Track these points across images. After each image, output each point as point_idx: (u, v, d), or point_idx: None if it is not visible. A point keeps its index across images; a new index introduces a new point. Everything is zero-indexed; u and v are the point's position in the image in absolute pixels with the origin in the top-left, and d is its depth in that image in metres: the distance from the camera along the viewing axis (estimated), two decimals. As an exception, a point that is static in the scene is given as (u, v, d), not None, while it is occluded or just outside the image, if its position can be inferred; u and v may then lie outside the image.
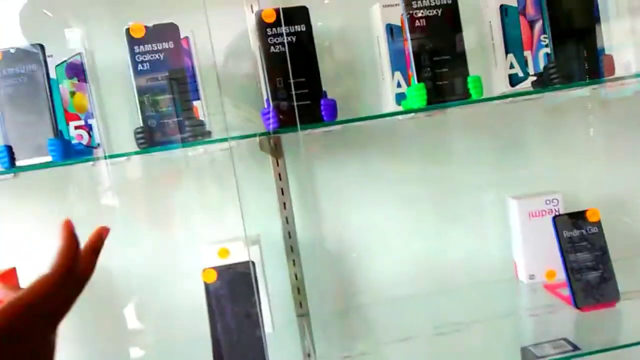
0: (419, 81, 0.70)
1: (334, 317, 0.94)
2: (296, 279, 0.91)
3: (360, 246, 0.97)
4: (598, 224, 0.81)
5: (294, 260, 0.91)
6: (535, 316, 0.83)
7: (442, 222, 0.99)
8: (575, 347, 0.81)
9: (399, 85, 0.83)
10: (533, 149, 1.01)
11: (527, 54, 0.85)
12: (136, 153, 0.70)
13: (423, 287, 0.97)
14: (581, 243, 0.81)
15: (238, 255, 0.81)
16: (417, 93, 0.69)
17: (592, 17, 0.76)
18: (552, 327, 0.80)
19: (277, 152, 0.86)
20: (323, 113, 0.71)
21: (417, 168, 0.98)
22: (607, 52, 0.78)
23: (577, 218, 0.81)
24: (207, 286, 0.74)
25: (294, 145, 0.89)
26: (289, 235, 0.90)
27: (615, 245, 0.83)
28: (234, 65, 0.90)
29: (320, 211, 0.95)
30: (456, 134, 0.99)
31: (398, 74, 0.83)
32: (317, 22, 0.89)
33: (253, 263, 0.75)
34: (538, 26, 0.84)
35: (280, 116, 0.70)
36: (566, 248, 0.81)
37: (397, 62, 0.82)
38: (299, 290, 0.92)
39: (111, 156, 0.74)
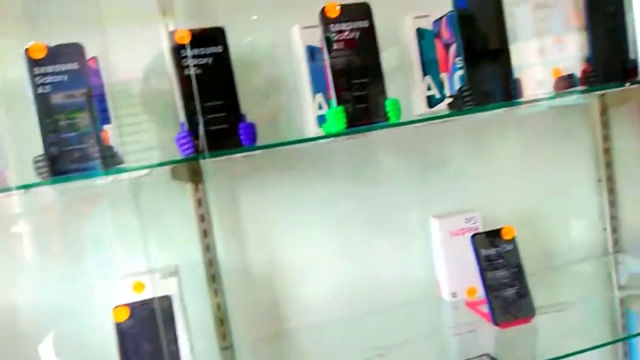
0: (338, 104, 0.70)
1: (261, 346, 0.90)
2: (219, 309, 0.87)
3: (287, 270, 0.95)
4: (513, 241, 0.84)
5: (215, 290, 0.87)
6: (458, 335, 0.85)
7: (369, 243, 0.99)
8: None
9: (320, 107, 0.82)
10: (455, 167, 1.03)
11: (444, 76, 0.87)
12: (34, 185, 0.64)
13: (350, 310, 0.96)
14: (498, 261, 0.83)
15: (155, 288, 0.76)
16: (336, 116, 0.69)
17: (504, 40, 0.79)
18: (474, 345, 0.81)
19: (196, 177, 0.82)
20: (241, 137, 0.68)
21: (343, 188, 0.98)
22: (519, 71, 0.82)
23: (494, 236, 0.84)
24: (118, 326, 0.69)
25: (213, 171, 0.86)
26: (210, 264, 0.86)
27: (532, 260, 0.87)
28: (152, 86, 0.85)
29: (245, 236, 0.92)
30: (381, 154, 1.00)
31: (319, 96, 0.82)
32: (245, 39, 0.88)
33: (169, 297, 0.71)
34: (453, 49, 0.86)
35: (196, 141, 0.67)
36: (484, 266, 0.83)
37: (318, 84, 0.81)
38: (222, 321, 0.88)
39: (4, 190, 0.67)
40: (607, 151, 1.08)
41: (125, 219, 0.83)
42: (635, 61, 0.86)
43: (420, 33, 0.87)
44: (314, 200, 0.96)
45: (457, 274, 0.94)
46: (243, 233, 0.92)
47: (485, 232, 0.84)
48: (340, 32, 0.71)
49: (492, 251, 0.83)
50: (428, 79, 0.87)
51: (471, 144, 1.04)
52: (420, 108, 0.88)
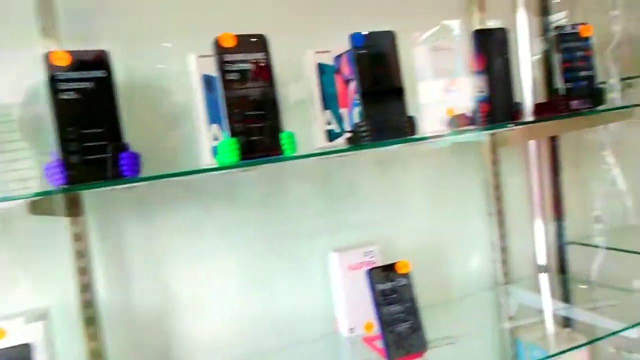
0: (232, 136, 0.67)
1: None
2: (94, 356, 0.79)
3: (178, 308, 0.89)
4: (407, 275, 0.85)
5: (92, 334, 0.79)
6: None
7: (268, 277, 0.96)
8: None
9: (215, 138, 0.79)
10: (359, 200, 1.04)
11: (344, 111, 0.88)
12: None
13: (249, 347, 0.92)
14: (392, 295, 0.83)
15: (19, 334, 0.68)
16: (229, 148, 0.66)
17: (399, 78, 0.80)
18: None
19: (73, 210, 0.75)
20: (123, 168, 0.63)
21: (242, 220, 0.94)
22: (419, 110, 0.84)
23: (389, 270, 0.84)
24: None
25: (95, 202, 0.79)
26: (88, 305, 0.79)
27: (429, 292, 0.88)
28: (32, 111, 0.78)
29: (131, 272, 0.85)
30: (285, 186, 0.98)
31: (215, 127, 0.79)
32: (158, 65, 0.83)
33: (29, 345, 0.63)
34: (352, 85, 0.87)
35: (70, 171, 0.61)
36: (379, 301, 0.82)
37: (214, 115, 0.78)
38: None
39: None
40: (497, 187, 1.14)
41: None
42: (519, 104, 0.92)
43: (322, 68, 0.87)
44: (208, 233, 0.92)
45: (355, 309, 0.93)
46: (129, 269, 0.85)
47: (381, 267, 0.84)
48: (235, 62, 0.68)
49: (387, 285, 0.83)
50: (328, 113, 0.87)
51: (375, 177, 1.06)
52: (319, 141, 0.87)
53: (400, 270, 0.85)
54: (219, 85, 0.68)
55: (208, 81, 0.77)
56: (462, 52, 0.92)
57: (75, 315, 0.79)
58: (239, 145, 0.67)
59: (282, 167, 0.97)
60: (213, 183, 0.91)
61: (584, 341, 0.97)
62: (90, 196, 0.78)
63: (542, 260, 1.20)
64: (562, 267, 1.22)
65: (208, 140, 0.78)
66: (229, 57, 0.68)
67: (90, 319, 0.78)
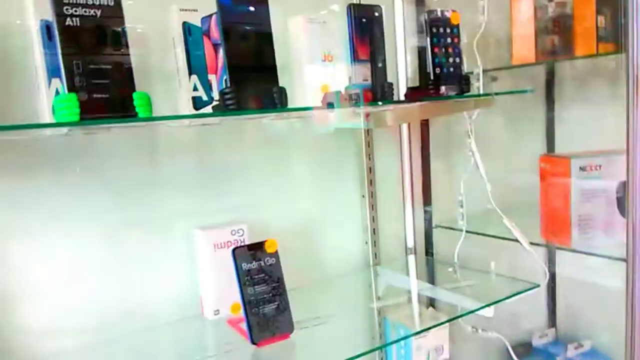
0: (69, 91, 0.58)
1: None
2: None
3: (11, 293, 0.77)
4: (275, 254, 0.81)
5: None
6: (213, 357, 0.78)
7: (126, 256, 0.87)
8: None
9: (57, 93, 0.68)
10: (230, 177, 0.98)
11: (212, 77, 0.81)
12: None
13: (99, 335, 0.83)
14: (259, 275, 0.79)
15: None
16: (67, 105, 0.57)
17: (270, 47, 0.76)
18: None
19: None
20: None
21: (97, 192, 0.84)
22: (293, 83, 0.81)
23: (256, 249, 0.80)
24: None
25: None
26: None
27: (300, 273, 0.85)
28: None
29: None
30: (150, 157, 0.89)
31: (56, 81, 0.68)
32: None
33: None
34: (222, 51, 0.81)
35: None
36: (244, 281, 0.78)
37: (53, 70, 0.68)
38: None
39: None
40: (371, 170, 1.15)
41: None
42: (391, 84, 0.93)
43: (188, 28, 0.80)
44: (58, 205, 0.80)
45: (220, 290, 0.88)
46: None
47: (247, 245, 0.80)
48: (78, 6, 0.59)
49: (253, 265, 0.79)
50: (194, 78, 0.80)
51: (253, 156, 1.01)
52: (185, 109, 0.80)
53: (268, 249, 0.81)
54: (55, 34, 0.59)
55: (47, 28, 0.66)
56: (339, 27, 0.90)
57: None
58: (79, 103, 0.58)
59: (153, 136, 0.88)
60: (64, 148, 0.79)
61: (444, 319, 1.01)
62: None
63: (410, 242, 1.24)
64: (428, 250, 1.27)
65: (48, 96, 0.68)
66: (70, 8, 0.59)
67: None
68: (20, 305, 0.78)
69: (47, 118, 0.68)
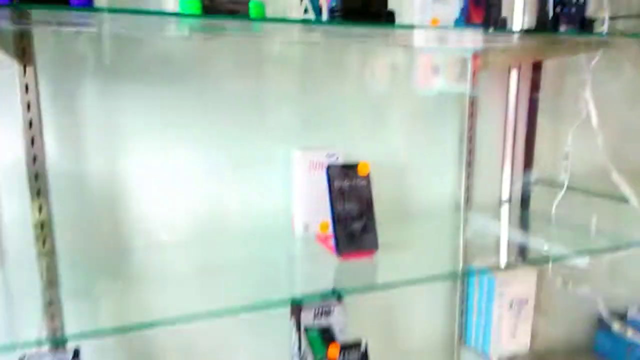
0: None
1: (86, 256, 0.82)
2: (39, 212, 0.77)
3: (129, 187, 0.87)
4: (367, 178, 0.83)
5: (39, 190, 0.77)
6: (299, 264, 0.83)
7: (228, 168, 0.93)
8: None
9: None
10: (337, 106, 1.00)
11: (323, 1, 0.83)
12: None
13: (196, 237, 0.91)
14: (350, 193, 0.82)
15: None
16: (191, 3, 0.62)
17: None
18: (313, 275, 0.80)
19: (24, 55, 0.70)
20: None
21: (206, 104, 0.90)
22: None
23: (349, 169, 0.83)
24: None
25: (50, 49, 0.74)
26: (34, 160, 0.76)
27: (390, 206, 0.86)
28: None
29: (81, 136, 0.82)
30: (255, 73, 0.93)
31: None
32: None
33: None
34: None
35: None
36: (335, 197, 0.81)
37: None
38: (42, 225, 0.78)
39: None
40: (473, 114, 1.12)
41: None
42: (505, 20, 0.88)
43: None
44: (172, 113, 0.88)
45: (312, 208, 0.92)
46: (79, 132, 0.81)
47: (341, 165, 0.83)
48: None
49: (345, 184, 0.82)
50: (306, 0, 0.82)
51: (360, 90, 1.02)
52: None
53: (361, 171, 0.83)
54: None
55: None
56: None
57: (20, 169, 0.76)
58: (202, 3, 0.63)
59: (258, 52, 0.92)
60: (180, 57, 0.86)
61: (533, 268, 0.98)
62: (41, 40, 0.73)
63: (505, 194, 1.20)
64: (524, 204, 1.22)
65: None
66: None
67: (36, 175, 0.76)
68: (138, 198, 0.87)
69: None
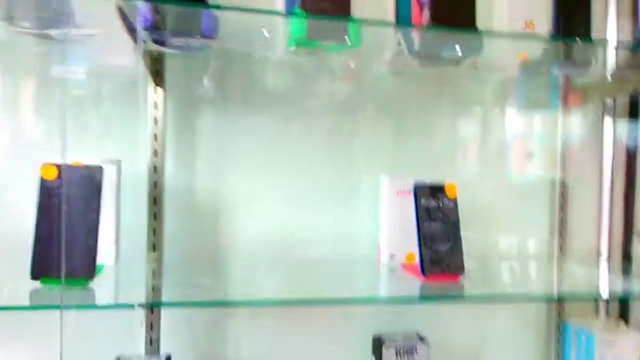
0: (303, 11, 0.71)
1: (187, 262, 0.89)
2: (155, 219, 0.86)
3: (232, 204, 0.95)
4: (454, 200, 0.85)
5: (155, 198, 0.87)
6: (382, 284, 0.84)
7: (321, 193, 0.99)
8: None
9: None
10: (422, 131, 1.04)
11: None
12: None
13: (285, 257, 0.96)
14: (437, 214, 0.84)
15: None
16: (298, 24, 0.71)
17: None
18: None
19: (157, 75, 0.83)
20: (202, 25, 0.70)
21: (304, 134, 0.98)
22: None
23: (437, 190, 0.85)
24: (43, 182, 0.68)
25: (180, 72, 0.87)
26: (155, 170, 0.86)
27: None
28: None
29: (194, 154, 0.92)
30: (351, 102, 1.01)
31: None
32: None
33: (101, 168, 0.71)
34: (426, 12, 0.89)
35: (156, 16, 0.68)
36: (422, 216, 0.83)
37: None
38: (155, 231, 0.87)
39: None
40: (565, 148, 1.10)
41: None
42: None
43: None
44: (266, 138, 0.96)
45: (398, 237, 0.94)
46: (193, 151, 0.92)
47: (429, 185, 0.85)
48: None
49: (432, 203, 0.84)
50: (399, 35, 0.90)
51: (450, 118, 1.06)
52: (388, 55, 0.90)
53: (448, 192, 0.85)
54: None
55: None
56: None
57: (141, 176, 0.86)
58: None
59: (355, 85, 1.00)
60: (283, 87, 0.96)
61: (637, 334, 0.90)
62: (173, 65, 0.86)
63: (604, 244, 1.14)
64: (625, 256, 1.14)
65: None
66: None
67: (155, 184, 0.85)
68: (236, 214, 0.95)
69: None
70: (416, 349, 0.88)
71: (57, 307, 0.57)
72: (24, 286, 0.66)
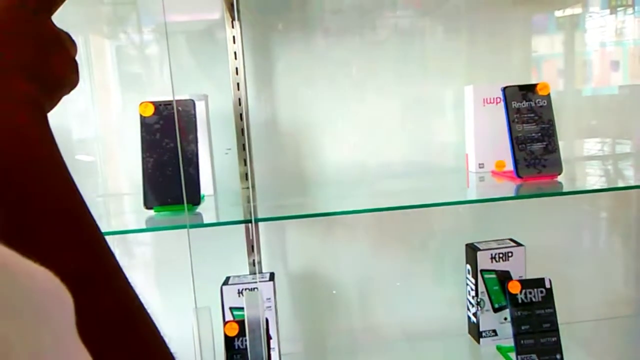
0: None
1: (278, 189, 0.93)
2: (244, 149, 0.90)
3: (315, 132, 0.96)
4: (547, 97, 0.81)
5: (242, 130, 0.90)
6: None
7: (401, 109, 0.98)
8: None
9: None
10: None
11: None
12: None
13: (372, 173, 0.97)
14: (529, 115, 0.80)
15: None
16: None
17: None
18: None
19: (232, 9, 0.84)
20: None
21: (380, 50, 0.96)
22: None
23: (527, 90, 0.81)
24: (142, 119, 0.73)
25: (255, 10, 0.88)
26: (239, 102, 0.89)
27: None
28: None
29: (275, 85, 0.94)
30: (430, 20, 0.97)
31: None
32: None
33: (192, 101, 0.74)
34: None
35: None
36: (513, 118, 0.80)
37: None
38: (245, 161, 0.91)
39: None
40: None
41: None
42: None
43: None
44: (344, 61, 0.95)
45: (487, 145, 0.91)
46: (272, 81, 0.93)
47: (518, 85, 0.81)
48: None
49: (524, 104, 0.80)
50: None
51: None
52: None
53: (540, 91, 0.81)
54: None
55: None
56: None
57: (227, 109, 0.89)
58: None
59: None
60: (360, 16, 0.94)
61: None
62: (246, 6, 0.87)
63: None
64: None
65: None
66: None
67: (241, 116, 0.88)
68: (318, 138, 0.96)
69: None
70: (512, 253, 0.88)
71: (184, 226, 0.62)
72: (140, 214, 0.72)
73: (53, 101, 0.29)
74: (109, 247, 0.26)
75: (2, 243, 0.15)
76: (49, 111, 0.28)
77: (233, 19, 0.86)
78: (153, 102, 0.73)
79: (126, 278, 0.27)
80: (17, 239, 0.23)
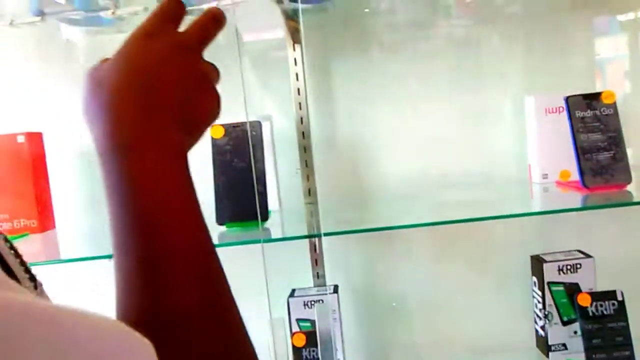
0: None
1: (342, 205, 0.95)
2: (306, 165, 0.93)
3: (371, 141, 0.98)
4: (613, 105, 0.79)
5: (305, 148, 0.93)
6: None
7: (459, 120, 0.98)
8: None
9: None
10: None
11: None
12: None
13: (433, 187, 0.97)
14: (594, 124, 0.79)
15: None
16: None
17: None
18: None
19: (296, 35, 0.88)
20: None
21: (435, 62, 0.98)
22: None
23: (592, 99, 0.80)
24: (214, 142, 0.78)
25: (314, 31, 0.91)
26: (301, 121, 0.92)
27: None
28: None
29: (334, 102, 0.97)
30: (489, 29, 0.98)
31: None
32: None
33: (259, 122, 0.78)
34: None
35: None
36: (577, 128, 0.79)
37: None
38: (308, 177, 0.94)
39: None
40: None
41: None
42: None
43: None
44: (401, 75, 0.97)
45: (550, 156, 0.90)
46: (333, 99, 0.96)
47: (582, 95, 0.80)
48: None
49: (588, 113, 0.79)
50: None
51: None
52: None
53: (606, 99, 0.79)
54: None
55: None
56: None
57: (290, 129, 0.93)
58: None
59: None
60: (412, 31, 0.96)
61: None
62: (309, 24, 0.90)
63: None
64: None
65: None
66: None
67: (303, 134, 0.92)
68: (378, 153, 0.98)
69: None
70: (580, 265, 0.86)
71: (258, 241, 0.66)
72: (212, 231, 0.76)
73: (196, 140, 0.32)
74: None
75: None
76: (190, 149, 0.31)
77: (295, 42, 0.90)
78: (223, 125, 0.78)
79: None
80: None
